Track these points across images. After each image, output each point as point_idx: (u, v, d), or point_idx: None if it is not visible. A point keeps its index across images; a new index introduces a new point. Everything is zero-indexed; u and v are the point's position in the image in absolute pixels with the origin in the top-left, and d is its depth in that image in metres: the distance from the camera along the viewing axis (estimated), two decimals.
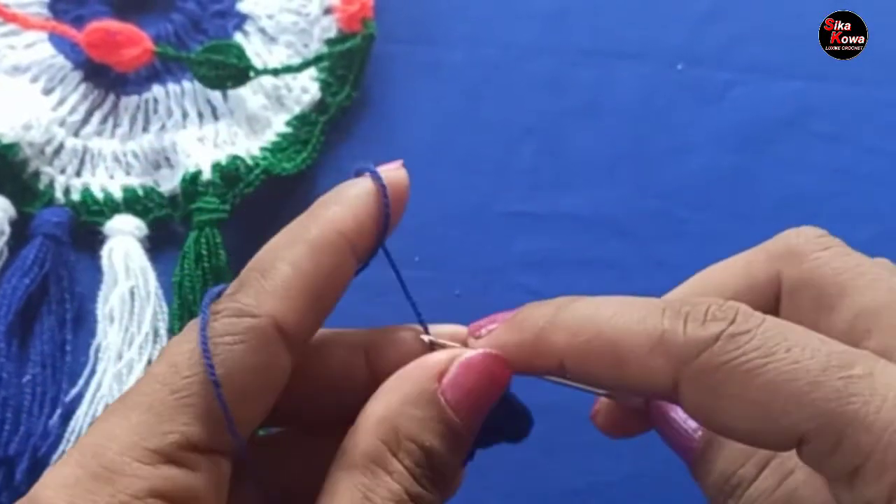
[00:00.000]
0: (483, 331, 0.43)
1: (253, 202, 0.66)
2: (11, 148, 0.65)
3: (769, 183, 0.69)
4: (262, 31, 0.72)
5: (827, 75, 0.72)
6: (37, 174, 0.67)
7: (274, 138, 0.69)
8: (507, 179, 0.69)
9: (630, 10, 0.74)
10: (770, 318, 0.37)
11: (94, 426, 0.38)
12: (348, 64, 0.71)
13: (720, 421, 0.37)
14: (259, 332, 0.39)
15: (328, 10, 0.72)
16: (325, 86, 0.71)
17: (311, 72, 0.71)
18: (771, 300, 0.43)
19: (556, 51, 0.72)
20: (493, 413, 0.41)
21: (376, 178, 0.44)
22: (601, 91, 0.71)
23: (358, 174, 0.45)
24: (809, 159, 0.70)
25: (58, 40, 0.71)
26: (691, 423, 0.44)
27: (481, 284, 0.66)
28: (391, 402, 0.40)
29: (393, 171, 0.45)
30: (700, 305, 0.37)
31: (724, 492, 0.42)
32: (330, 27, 0.72)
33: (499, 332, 0.42)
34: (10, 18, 0.69)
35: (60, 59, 0.70)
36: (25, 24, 0.69)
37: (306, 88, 0.70)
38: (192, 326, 0.39)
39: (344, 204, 0.43)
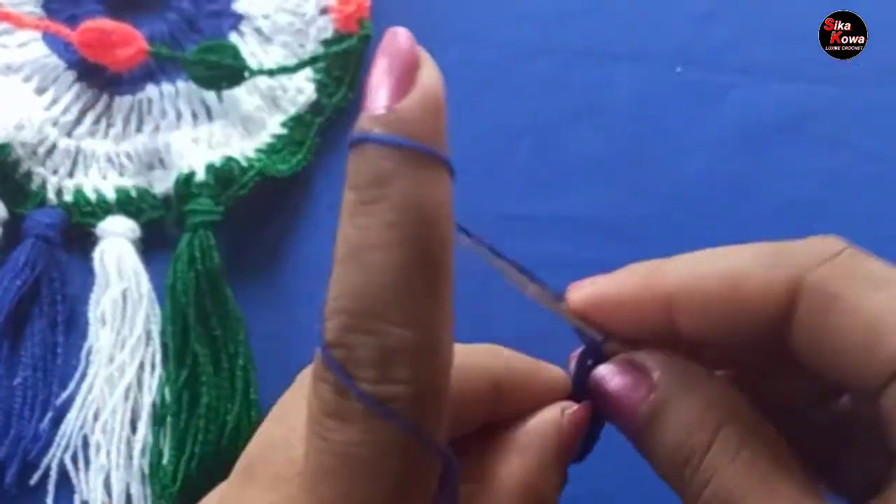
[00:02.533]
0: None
1: (247, 204, 0.65)
2: (3, 148, 0.65)
3: (768, 186, 0.69)
4: (258, 31, 0.72)
5: (827, 77, 0.71)
6: (29, 175, 0.66)
7: (269, 139, 0.68)
8: (503, 182, 0.68)
9: (628, 11, 0.73)
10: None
11: None
12: (344, 65, 0.71)
13: (829, 343, 0.35)
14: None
15: (324, 11, 0.72)
16: (320, 87, 0.70)
17: (307, 72, 0.70)
18: (782, 302, 0.41)
19: (554, 52, 0.72)
20: None
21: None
22: (599, 93, 0.71)
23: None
24: (809, 162, 0.69)
25: (51, 39, 0.70)
26: (634, 395, 0.39)
27: (478, 288, 0.65)
28: (531, 466, 0.39)
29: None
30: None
31: (678, 462, 0.38)
32: (326, 27, 0.72)
33: (602, 280, 0.41)
34: (3, 17, 0.69)
35: (54, 59, 0.70)
36: (18, 22, 0.69)
37: (302, 89, 0.70)
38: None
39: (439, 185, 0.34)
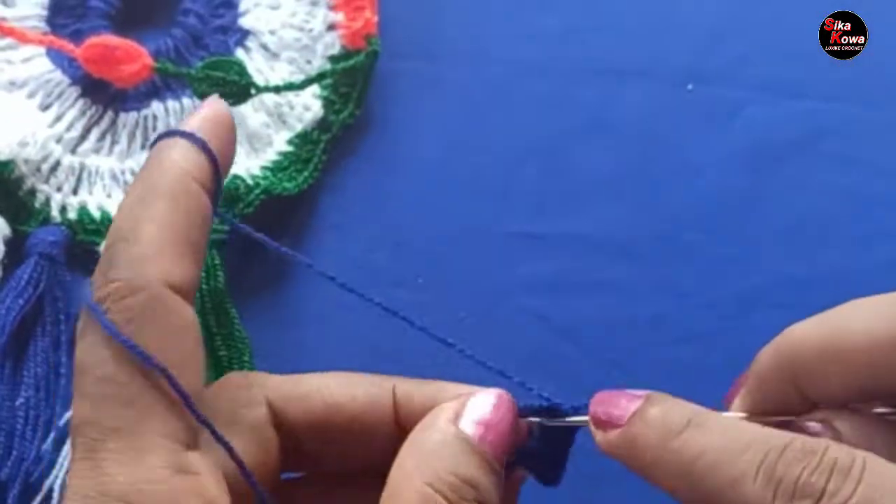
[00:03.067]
0: (605, 415, 0.42)
1: (253, 222, 0.64)
2: (7, 165, 0.64)
3: (780, 204, 0.68)
4: (265, 47, 0.71)
5: (839, 95, 0.71)
6: (32, 192, 0.66)
7: (275, 157, 0.68)
8: (511, 200, 0.68)
9: (639, 28, 0.73)
10: (868, 473, 0.35)
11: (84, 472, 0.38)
12: (351, 81, 0.70)
13: None
14: (157, 298, 0.39)
15: (331, 27, 0.71)
16: (327, 103, 0.70)
17: (314, 89, 0.69)
18: None
19: (563, 69, 0.71)
20: (533, 452, 0.45)
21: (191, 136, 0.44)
22: (608, 110, 0.70)
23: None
24: (821, 180, 0.69)
25: (55, 55, 0.69)
26: None
27: (486, 307, 0.65)
28: (423, 452, 0.41)
29: (212, 108, 0.45)
30: (794, 467, 0.36)
31: None
32: (333, 44, 0.71)
33: (614, 440, 0.42)
34: (7, 32, 0.68)
35: (58, 75, 0.69)
36: (23, 38, 0.68)
37: (308, 106, 0.69)
38: (88, 327, 0.39)
39: (182, 147, 0.43)
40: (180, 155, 0.42)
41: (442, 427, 0.42)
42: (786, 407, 0.43)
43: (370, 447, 0.45)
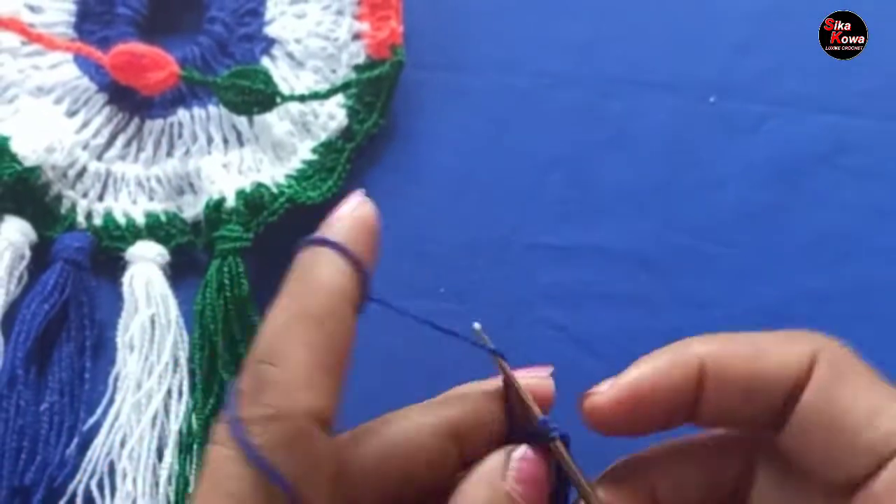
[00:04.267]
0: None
1: (276, 230, 0.65)
2: (33, 171, 0.65)
3: (801, 219, 0.68)
4: (290, 55, 0.71)
5: (862, 110, 0.71)
6: (59, 198, 0.66)
7: (299, 165, 0.68)
8: (533, 211, 0.68)
9: (662, 40, 0.73)
10: None
11: None
12: (376, 91, 0.70)
13: (830, 418, 0.41)
14: (303, 431, 0.38)
15: (357, 36, 0.72)
16: (352, 112, 0.70)
17: (339, 98, 0.70)
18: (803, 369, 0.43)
19: (587, 81, 0.71)
20: None
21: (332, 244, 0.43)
22: (631, 122, 0.70)
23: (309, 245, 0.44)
24: (843, 195, 0.69)
25: (83, 62, 0.70)
26: None
27: (506, 317, 0.65)
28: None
29: (358, 209, 0.45)
30: None
31: None
32: (358, 53, 0.71)
33: (634, 371, 0.45)
34: (36, 39, 0.69)
35: (85, 81, 0.70)
36: (50, 44, 0.69)
37: (333, 115, 0.69)
38: (228, 439, 0.38)
39: (330, 262, 0.42)
40: (329, 272, 0.41)
41: (490, 483, 0.42)
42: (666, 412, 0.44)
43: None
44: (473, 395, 0.46)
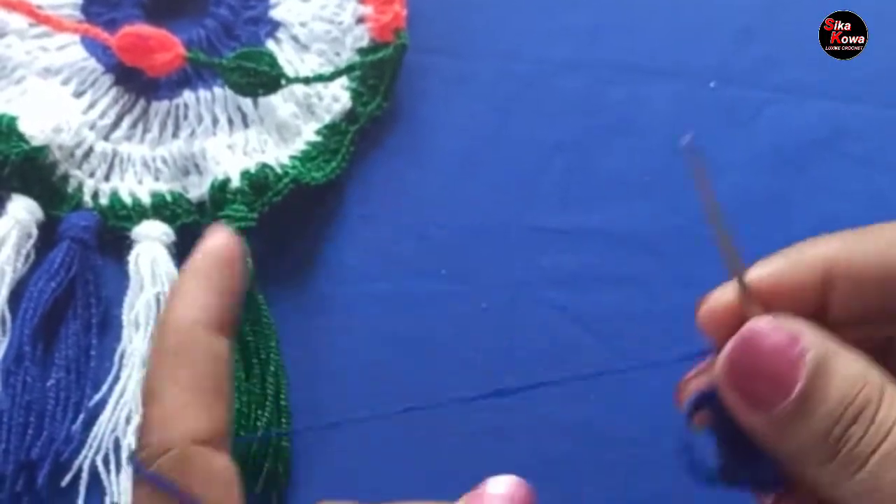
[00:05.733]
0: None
1: (280, 211, 0.65)
2: (41, 151, 0.65)
3: (801, 204, 0.68)
4: (295, 38, 0.72)
5: (862, 96, 0.71)
6: (65, 177, 0.67)
7: (304, 147, 0.69)
8: (536, 194, 0.68)
9: (664, 27, 0.73)
10: None
11: None
12: (380, 74, 0.71)
13: None
14: (185, 456, 0.41)
15: (361, 20, 0.72)
16: (355, 95, 0.70)
17: (343, 81, 0.70)
18: None
19: (589, 67, 0.72)
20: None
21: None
22: (633, 108, 0.71)
23: None
24: (843, 181, 0.69)
25: (90, 43, 0.71)
26: (792, 350, 0.38)
27: (508, 299, 0.65)
28: None
29: (213, 240, 0.46)
30: None
31: (847, 418, 0.37)
32: (362, 36, 0.72)
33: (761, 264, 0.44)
34: (43, 20, 0.69)
35: (92, 63, 0.70)
36: (58, 26, 0.69)
37: (337, 97, 0.70)
38: (139, 483, 0.41)
39: (186, 300, 0.44)
40: (184, 309, 0.43)
41: None
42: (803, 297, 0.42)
43: None
44: None
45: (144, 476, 0.40)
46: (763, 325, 0.39)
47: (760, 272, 0.43)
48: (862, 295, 0.40)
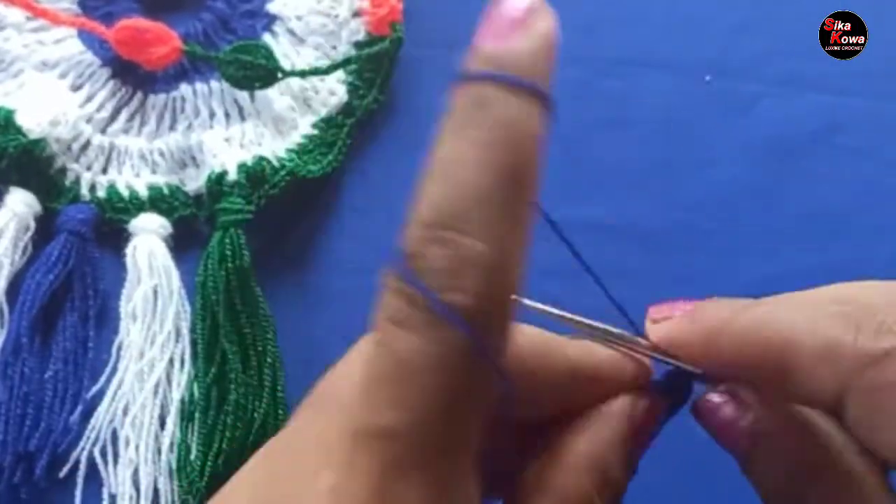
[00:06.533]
0: (660, 317, 0.42)
1: (277, 204, 0.66)
2: (38, 144, 0.65)
3: (796, 196, 0.69)
4: (291, 32, 0.72)
5: (856, 90, 0.71)
6: (63, 170, 0.67)
7: (300, 140, 0.69)
8: None
9: (659, 20, 0.74)
10: None
11: None
12: (376, 67, 0.71)
13: (880, 440, 0.35)
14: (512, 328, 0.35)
15: (357, 13, 0.72)
16: (352, 89, 0.71)
17: (339, 74, 0.71)
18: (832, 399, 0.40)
19: (584, 60, 0.72)
20: None
21: None
22: (628, 101, 0.71)
23: None
24: (837, 174, 0.70)
25: (87, 37, 0.71)
26: (741, 423, 0.40)
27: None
28: (599, 443, 0.40)
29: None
30: (874, 313, 0.35)
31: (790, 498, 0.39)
32: (358, 30, 0.72)
33: (672, 326, 0.41)
34: (40, 14, 0.70)
35: (89, 56, 0.70)
36: (55, 19, 0.70)
37: (333, 91, 0.70)
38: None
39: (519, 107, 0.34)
40: (523, 115, 0.33)
41: (621, 427, 0.40)
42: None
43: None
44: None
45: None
46: (717, 400, 0.41)
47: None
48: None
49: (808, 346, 0.35)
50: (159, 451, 0.61)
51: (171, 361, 0.63)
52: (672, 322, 0.42)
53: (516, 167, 0.33)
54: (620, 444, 0.40)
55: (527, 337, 0.41)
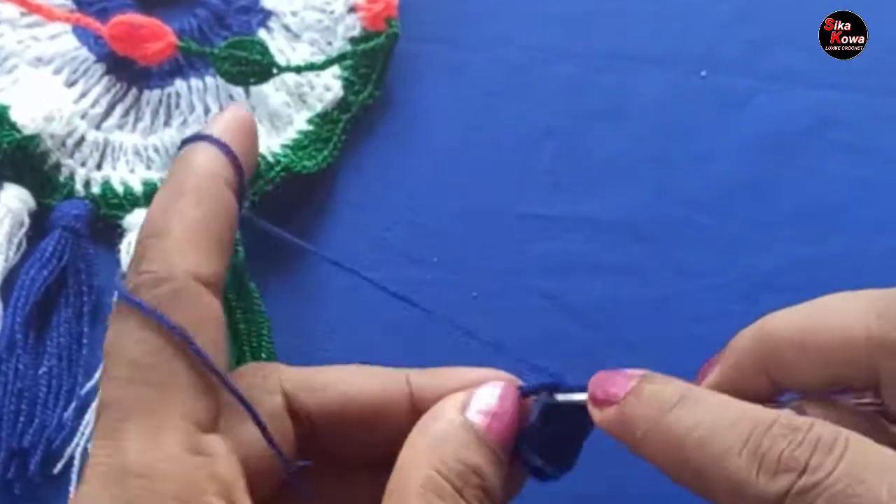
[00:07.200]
0: (602, 396, 0.44)
1: (272, 199, 0.65)
2: (32, 139, 0.65)
3: (790, 191, 0.69)
4: (286, 27, 0.72)
5: (852, 85, 0.71)
6: (57, 166, 0.67)
7: (295, 136, 0.69)
8: (527, 182, 0.69)
9: (654, 15, 0.74)
10: (851, 451, 0.36)
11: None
12: (371, 63, 0.71)
13: None
14: (185, 289, 0.41)
15: (352, 9, 0.72)
16: (347, 84, 0.70)
17: (334, 70, 0.70)
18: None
19: (580, 54, 0.72)
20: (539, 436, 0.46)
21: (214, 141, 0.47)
22: (623, 95, 0.71)
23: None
24: (831, 169, 0.69)
25: (81, 32, 0.71)
26: None
27: (499, 287, 0.66)
28: (431, 440, 0.43)
29: (234, 112, 0.49)
30: (779, 442, 0.37)
31: None
32: (354, 25, 0.72)
33: (610, 416, 0.43)
34: (35, 9, 0.69)
35: (84, 52, 0.70)
36: (50, 15, 0.69)
37: (329, 86, 0.70)
38: (118, 316, 0.42)
39: (207, 151, 0.46)
40: (206, 158, 0.45)
41: (450, 416, 0.44)
42: (756, 389, 0.44)
43: (385, 437, 0.46)
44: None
45: (133, 304, 0.40)
46: None
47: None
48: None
49: (722, 479, 0.38)
50: None
51: None
52: (608, 414, 0.43)
53: (187, 188, 0.45)
54: (451, 432, 0.43)
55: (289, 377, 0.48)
